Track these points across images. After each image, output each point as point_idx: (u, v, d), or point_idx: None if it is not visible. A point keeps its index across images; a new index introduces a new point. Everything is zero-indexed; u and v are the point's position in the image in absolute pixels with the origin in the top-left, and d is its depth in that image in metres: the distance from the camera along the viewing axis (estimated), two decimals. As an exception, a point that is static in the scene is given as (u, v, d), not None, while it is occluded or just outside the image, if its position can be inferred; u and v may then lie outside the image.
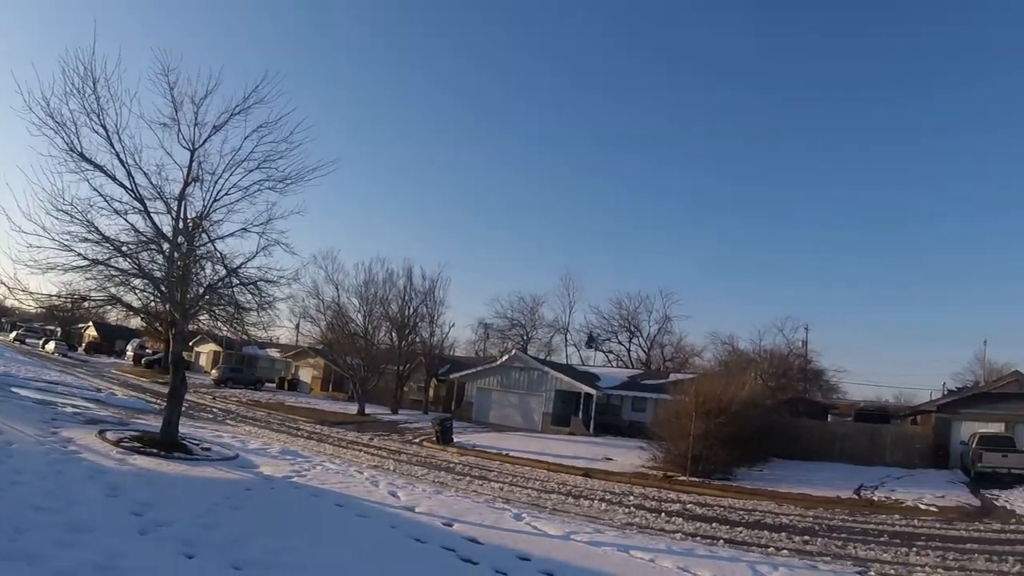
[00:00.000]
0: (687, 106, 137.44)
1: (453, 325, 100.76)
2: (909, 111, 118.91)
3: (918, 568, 12.78)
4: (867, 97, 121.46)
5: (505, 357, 49.13)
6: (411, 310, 48.78)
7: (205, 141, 15.53)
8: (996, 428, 30.25)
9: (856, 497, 22.22)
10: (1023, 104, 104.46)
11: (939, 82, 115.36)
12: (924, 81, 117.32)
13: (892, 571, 12.54)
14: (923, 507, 20.34)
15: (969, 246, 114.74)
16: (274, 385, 59.27)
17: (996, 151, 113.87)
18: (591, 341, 73.81)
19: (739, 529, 15.91)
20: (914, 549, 14.32)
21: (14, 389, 22.92)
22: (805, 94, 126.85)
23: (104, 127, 14.20)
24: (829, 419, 46.67)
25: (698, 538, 14.35)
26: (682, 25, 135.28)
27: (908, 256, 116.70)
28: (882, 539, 15.42)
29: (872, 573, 12.28)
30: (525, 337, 77.30)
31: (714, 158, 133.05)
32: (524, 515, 13.67)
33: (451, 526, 11.21)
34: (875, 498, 22.08)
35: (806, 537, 15.20)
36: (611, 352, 76.93)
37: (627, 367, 67.36)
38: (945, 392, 48.85)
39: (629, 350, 76.58)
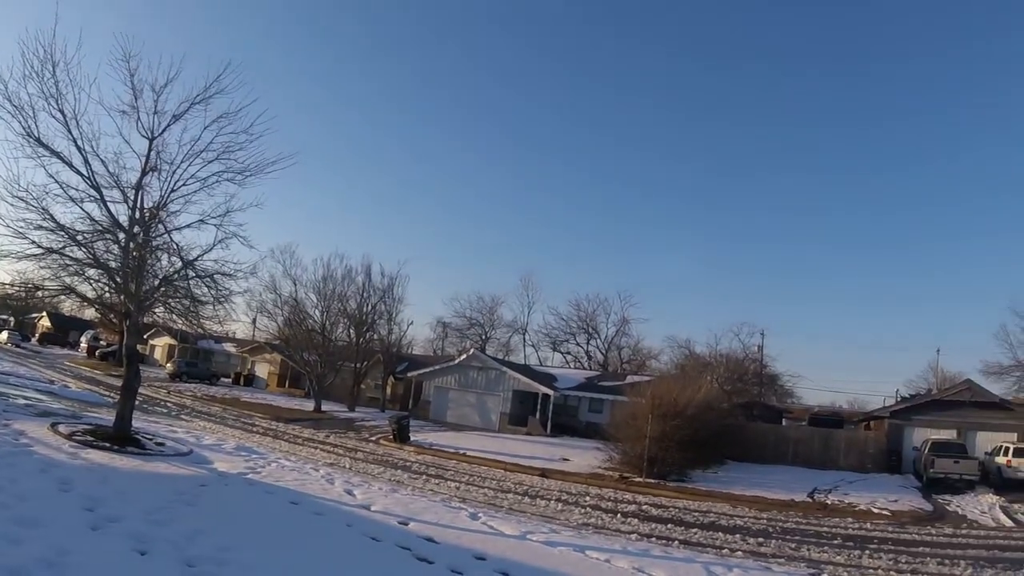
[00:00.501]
0: (687, 102, 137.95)
1: (411, 323, 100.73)
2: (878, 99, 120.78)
3: (871, 571, 13.03)
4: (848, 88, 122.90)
5: (463, 356, 48.89)
6: (369, 307, 48.58)
7: (164, 130, 15.26)
8: (948, 435, 31.02)
9: (810, 500, 22.56)
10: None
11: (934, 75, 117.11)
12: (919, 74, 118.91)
13: (845, 573, 12.75)
14: (876, 511, 20.72)
15: (924, 257, 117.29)
16: (230, 380, 58.41)
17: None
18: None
19: (694, 530, 16.04)
20: (867, 552, 14.58)
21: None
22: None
23: (62, 112, 13.96)
24: (784, 423, 47.42)
25: (653, 539, 14.45)
26: (682, 24, 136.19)
27: (863, 264, 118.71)
28: (836, 542, 15.66)
29: (825, 575, 12.49)
30: (483, 337, 77.09)
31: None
32: (480, 514, 13.65)
33: (407, 525, 11.13)
34: (829, 501, 22.45)
35: (760, 539, 15.40)
36: (569, 353, 77.27)
37: (584, 368, 67.54)
38: (898, 399, 49.84)
39: (587, 351, 76.94)
